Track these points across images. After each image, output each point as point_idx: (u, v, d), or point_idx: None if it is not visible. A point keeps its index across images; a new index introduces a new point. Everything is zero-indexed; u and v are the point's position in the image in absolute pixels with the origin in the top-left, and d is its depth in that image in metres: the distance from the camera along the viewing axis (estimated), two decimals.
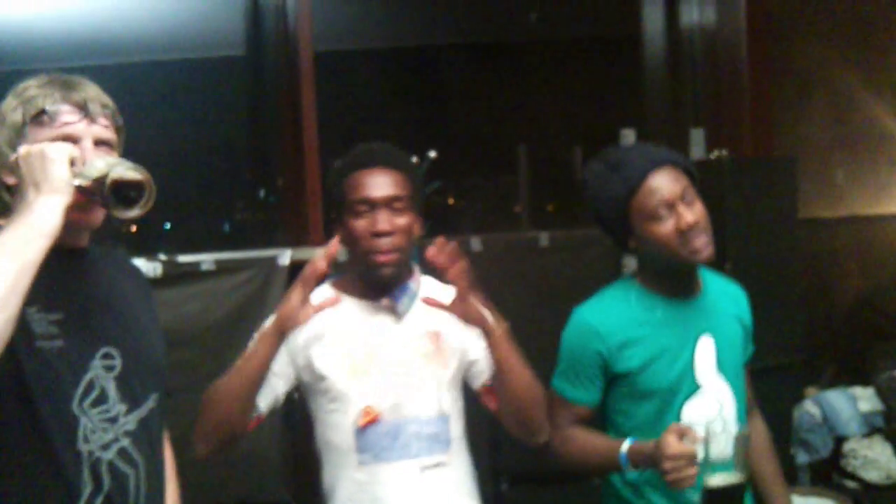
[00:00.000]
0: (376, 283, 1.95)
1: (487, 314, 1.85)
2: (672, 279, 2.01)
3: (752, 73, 3.95)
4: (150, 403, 1.61)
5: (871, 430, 3.60)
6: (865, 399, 3.66)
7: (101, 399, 1.51)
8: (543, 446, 2.01)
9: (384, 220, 1.91)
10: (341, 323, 1.93)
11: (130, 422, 1.56)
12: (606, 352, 1.98)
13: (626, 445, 1.90)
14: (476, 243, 3.35)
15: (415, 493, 1.93)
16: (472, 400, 2.07)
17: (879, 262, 4.20)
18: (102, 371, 1.53)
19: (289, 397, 2.02)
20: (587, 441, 2.01)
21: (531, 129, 4.89)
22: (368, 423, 1.92)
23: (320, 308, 1.82)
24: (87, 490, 1.48)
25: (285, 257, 3.18)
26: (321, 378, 1.93)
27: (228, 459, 3.01)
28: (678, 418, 1.96)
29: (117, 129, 1.57)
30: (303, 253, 3.17)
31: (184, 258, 3.10)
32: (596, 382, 2.01)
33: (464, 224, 4.72)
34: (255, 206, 4.27)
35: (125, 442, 1.54)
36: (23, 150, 1.39)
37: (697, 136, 3.80)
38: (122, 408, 1.54)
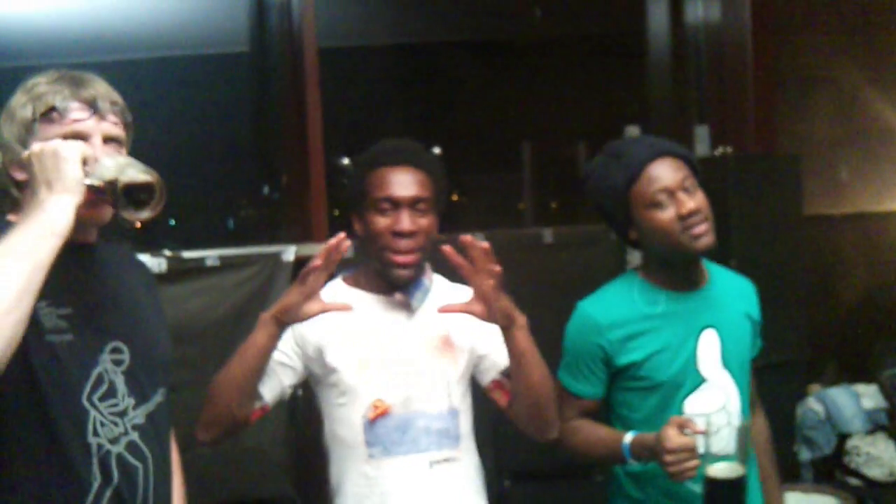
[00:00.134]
0: (392, 281, 1.96)
1: (513, 307, 1.85)
2: (674, 271, 2.02)
3: (756, 70, 3.94)
4: (158, 398, 1.62)
5: (875, 428, 3.60)
6: (869, 396, 3.65)
7: (110, 393, 1.52)
8: (553, 442, 2.01)
9: (407, 221, 1.90)
10: (354, 316, 1.92)
11: (139, 416, 1.57)
12: (608, 345, 1.99)
13: (628, 437, 1.91)
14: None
15: (423, 488, 1.93)
16: (474, 397, 2.07)
17: (884, 259, 4.20)
18: (111, 365, 1.54)
19: (293, 393, 2.02)
20: (591, 433, 2.02)
21: (535, 126, 4.89)
22: (378, 417, 1.92)
23: (329, 309, 1.82)
24: (97, 483, 1.49)
25: (290, 253, 3.18)
26: (332, 371, 1.94)
27: (233, 455, 3.05)
28: (681, 411, 1.97)
29: (126, 126, 1.58)
30: (307, 249, 3.17)
31: (188, 254, 3.10)
32: (599, 375, 2.02)
33: (468, 221, 4.72)
34: (259, 203, 4.27)
35: (134, 435, 1.55)
36: (36, 147, 1.39)
37: (702, 133, 3.80)
38: (130, 402, 1.56)
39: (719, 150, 3.52)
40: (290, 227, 3.67)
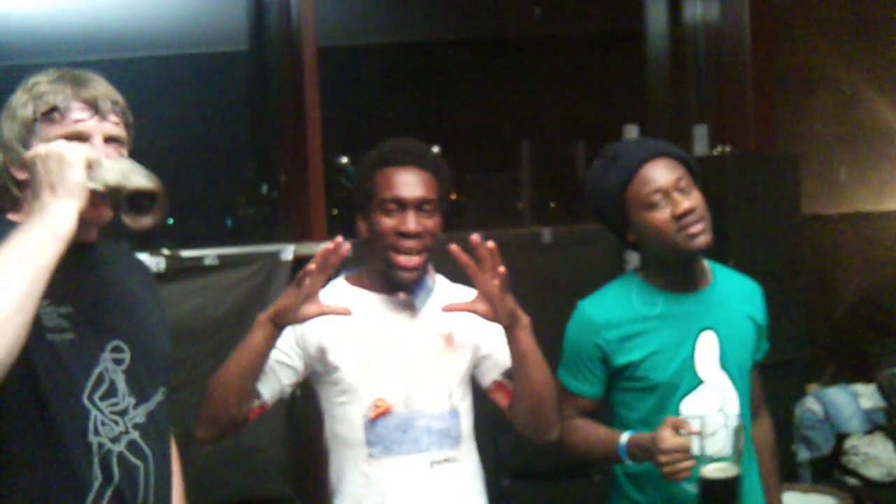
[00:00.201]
0: (397, 282, 1.95)
1: (517, 307, 1.85)
2: (673, 273, 2.02)
3: (755, 69, 3.94)
4: (158, 397, 1.62)
5: (873, 427, 3.60)
6: (867, 396, 3.65)
7: (111, 392, 1.53)
8: (551, 442, 2.01)
9: (413, 222, 1.90)
10: (356, 315, 1.91)
11: (139, 415, 1.57)
12: (605, 345, 2.00)
13: (624, 437, 1.93)
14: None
15: (423, 488, 1.93)
16: (472, 396, 2.07)
17: (882, 259, 4.20)
18: (112, 364, 1.54)
19: (292, 393, 2.02)
20: (589, 432, 2.03)
21: (534, 125, 4.89)
22: (379, 416, 1.92)
23: (327, 312, 1.81)
24: (97, 482, 1.49)
25: (288, 252, 3.18)
26: (333, 369, 1.94)
27: (232, 454, 3.04)
28: (678, 412, 1.97)
29: (127, 126, 1.58)
30: (305, 248, 3.17)
31: (187, 253, 3.09)
32: (597, 375, 2.03)
33: (466, 220, 4.71)
34: (257, 202, 4.27)
35: (135, 434, 1.55)
36: (41, 150, 1.39)
37: (701, 132, 3.80)
38: (131, 401, 1.56)
39: (718, 150, 3.52)
40: (288, 226, 3.67)
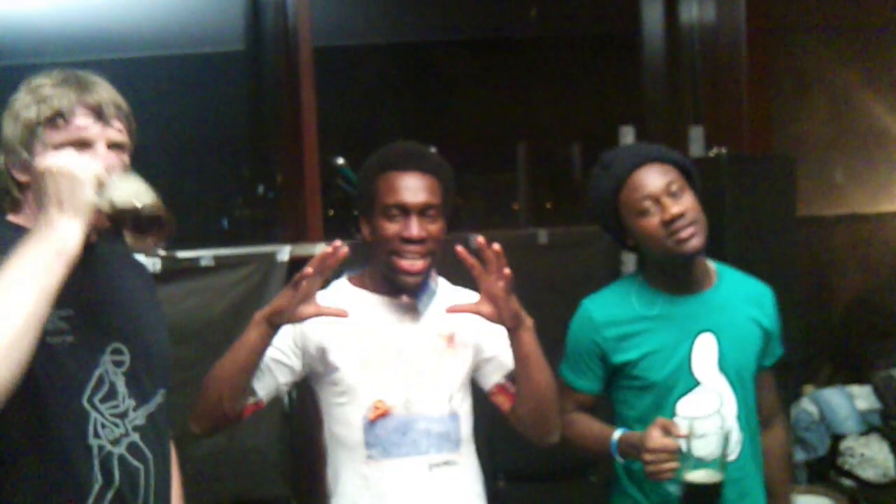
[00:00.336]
0: (400, 286, 1.95)
1: (520, 309, 1.85)
2: (671, 275, 2.04)
3: (751, 70, 3.94)
4: (158, 398, 1.62)
5: (869, 429, 3.60)
6: (863, 397, 3.66)
7: (111, 394, 1.52)
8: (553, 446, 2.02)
9: (416, 227, 1.89)
10: (359, 316, 1.92)
11: (139, 417, 1.57)
12: (603, 343, 2.03)
13: (617, 434, 1.97)
14: (474, 241, 3.37)
15: (421, 491, 1.93)
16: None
17: (878, 261, 4.21)
18: (112, 366, 1.53)
19: (288, 394, 2.02)
20: (586, 427, 2.07)
21: (530, 126, 4.88)
22: (378, 418, 1.92)
23: (326, 313, 1.81)
24: (98, 485, 1.49)
25: (284, 253, 3.18)
26: (333, 370, 1.93)
27: (228, 455, 3.04)
28: (674, 412, 1.98)
29: (130, 132, 1.57)
30: (301, 249, 3.17)
31: (183, 254, 3.09)
32: (596, 372, 2.06)
33: (462, 221, 4.71)
34: (253, 203, 4.26)
35: (135, 436, 1.55)
36: (52, 165, 1.36)
37: (696, 134, 3.81)
38: (131, 403, 1.55)
39: (714, 151, 3.52)
40: (284, 227, 3.67)
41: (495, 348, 1.99)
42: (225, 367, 1.84)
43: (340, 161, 3.13)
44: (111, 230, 1.49)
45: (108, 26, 3.94)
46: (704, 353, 2.01)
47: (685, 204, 1.94)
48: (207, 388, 1.85)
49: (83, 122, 1.49)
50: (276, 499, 3.21)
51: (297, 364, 1.95)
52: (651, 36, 4.35)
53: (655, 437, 1.81)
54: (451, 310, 1.88)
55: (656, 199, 1.94)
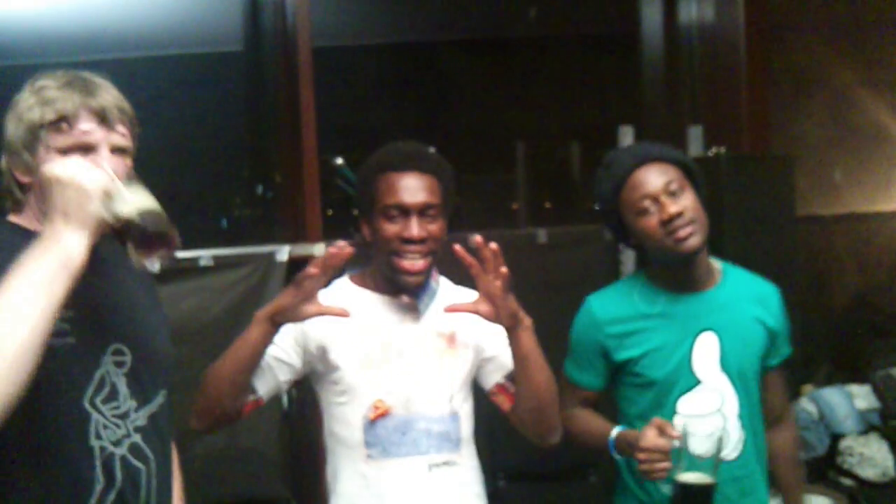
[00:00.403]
0: (401, 286, 1.95)
1: (519, 308, 1.85)
2: (673, 273, 2.05)
3: (750, 70, 3.95)
4: (160, 399, 1.62)
5: (868, 428, 3.60)
6: (862, 397, 3.66)
7: (113, 395, 1.52)
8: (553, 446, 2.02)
9: (416, 228, 1.89)
10: (360, 316, 1.92)
11: (141, 417, 1.57)
12: (605, 340, 2.05)
13: (615, 432, 1.98)
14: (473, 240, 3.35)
15: (421, 491, 1.93)
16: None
17: (877, 260, 4.21)
18: (113, 367, 1.53)
19: (287, 394, 2.02)
20: (586, 422, 2.09)
21: (529, 126, 4.89)
22: (379, 417, 1.92)
23: (328, 312, 1.81)
24: (100, 486, 1.49)
25: (283, 253, 3.18)
26: (334, 369, 1.93)
27: (228, 455, 3.04)
28: (674, 410, 1.99)
29: (133, 137, 1.56)
30: (300, 249, 3.17)
31: (182, 254, 3.09)
32: (598, 368, 2.08)
33: (461, 221, 4.71)
34: (252, 203, 4.26)
35: (136, 437, 1.55)
36: (61, 174, 1.35)
37: (695, 134, 3.80)
38: (132, 404, 1.55)
39: (713, 151, 3.52)
40: (283, 227, 3.66)
41: (496, 348, 1.99)
42: (226, 365, 1.84)
43: (339, 161, 3.13)
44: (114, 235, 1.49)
45: (108, 26, 3.94)
46: (705, 351, 2.02)
47: (684, 203, 1.95)
48: (208, 384, 1.86)
49: (87, 127, 1.48)
50: (276, 498, 3.21)
51: (297, 363, 1.95)
52: (650, 36, 4.35)
53: (649, 437, 1.83)
54: (449, 309, 1.88)
55: (655, 199, 1.95)
